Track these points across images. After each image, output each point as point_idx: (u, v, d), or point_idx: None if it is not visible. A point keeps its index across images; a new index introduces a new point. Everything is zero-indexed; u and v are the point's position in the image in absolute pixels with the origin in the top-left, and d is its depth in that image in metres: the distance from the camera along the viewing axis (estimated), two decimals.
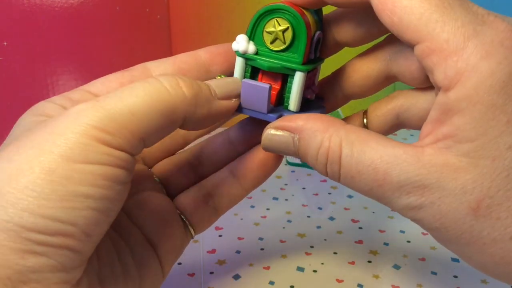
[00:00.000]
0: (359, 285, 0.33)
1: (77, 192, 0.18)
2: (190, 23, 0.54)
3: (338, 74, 0.28)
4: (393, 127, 0.27)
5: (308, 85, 0.26)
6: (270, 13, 0.24)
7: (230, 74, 0.26)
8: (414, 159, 0.20)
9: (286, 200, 0.44)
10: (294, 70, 0.24)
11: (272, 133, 0.24)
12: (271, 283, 0.33)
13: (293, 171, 0.48)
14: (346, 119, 0.28)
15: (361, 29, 0.25)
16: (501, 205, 0.19)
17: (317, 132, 0.23)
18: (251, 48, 0.25)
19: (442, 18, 0.19)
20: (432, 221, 0.21)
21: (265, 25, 0.24)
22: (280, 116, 0.25)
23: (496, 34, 0.19)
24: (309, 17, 0.24)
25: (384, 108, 0.27)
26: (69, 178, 0.18)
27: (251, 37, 0.25)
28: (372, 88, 0.27)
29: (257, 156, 0.27)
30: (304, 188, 0.46)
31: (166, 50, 0.54)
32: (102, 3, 0.47)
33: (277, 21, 0.24)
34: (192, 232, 0.28)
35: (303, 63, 0.24)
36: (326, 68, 0.28)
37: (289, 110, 0.25)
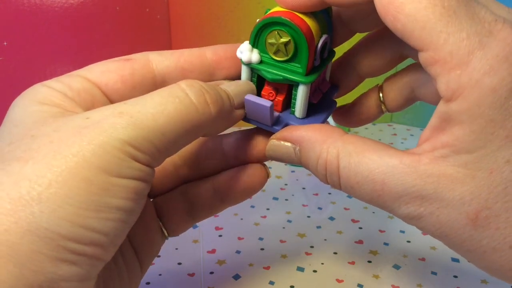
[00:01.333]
0: (359, 285, 0.33)
1: (112, 204, 0.18)
2: (190, 23, 0.54)
3: (350, 55, 0.27)
4: (408, 101, 0.27)
5: (315, 86, 0.26)
6: (270, 25, 0.23)
7: (237, 78, 0.26)
8: (411, 169, 0.20)
9: (286, 200, 0.44)
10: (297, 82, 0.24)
11: (275, 143, 0.25)
12: (271, 283, 0.33)
13: (293, 171, 0.48)
14: (362, 95, 0.28)
15: (374, 16, 0.24)
16: (499, 216, 0.19)
17: (316, 143, 0.23)
18: (255, 57, 0.24)
19: (446, 29, 0.19)
20: (433, 230, 0.21)
21: (267, 35, 0.24)
22: (285, 126, 0.25)
23: (502, 47, 0.18)
24: (313, 24, 0.23)
25: (400, 82, 0.27)
26: (105, 190, 0.18)
27: (254, 45, 0.24)
28: (386, 66, 0.27)
29: (242, 178, 0.27)
30: (304, 188, 0.46)
31: (166, 50, 0.54)
32: (102, 3, 0.47)
33: (278, 33, 0.23)
34: (166, 235, 0.28)
35: (307, 74, 0.24)
36: (339, 50, 0.28)
37: (296, 117, 0.26)
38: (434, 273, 0.34)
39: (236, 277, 0.34)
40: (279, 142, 0.25)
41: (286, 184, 0.46)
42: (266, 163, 0.28)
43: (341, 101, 0.29)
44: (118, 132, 0.19)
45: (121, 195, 0.19)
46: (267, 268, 0.35)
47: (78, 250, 0.18)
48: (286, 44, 0.23)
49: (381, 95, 0.27)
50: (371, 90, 0.28)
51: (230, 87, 0.24)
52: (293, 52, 0.23)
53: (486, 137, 0.19)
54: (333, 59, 0.27)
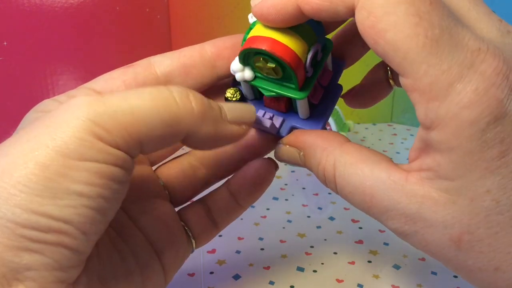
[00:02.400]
0: (359, 285, 0.33)
1: (71, 189, 0.17)
2: (190, 23, 0.54)
3: (352, 23, 0.27)
4: None
5: (315, 86, 0.25)
6: (253, 53, 0.23)
7: None
8: (397, 186, 0.21)
9: (286, 200, 0.44)
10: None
11: (282, 148, 0.25)
12: (271, 283, 0.33)
13: (293, 171, 0.48)
14: (369, 73, 0.28)
15: None
16: (482, 241, 0.19)
17: (317, 149, 0.24)
18: (247, 75, 0.24)
19: (427, 60, 0.18)
20: (420, 247, 0.21)
21: (253, 59, 0.23)
22: (291, 129, 0.26)
23: (482, 80, 0.18)
24: (297, 41, 0.22)
25: None
26: (63, 175, 0.17)
27: (245, 64, 0.24)
28: None
29: (249, 172, 0.27)
30: (304, 188, 0.46)
31: (166, 50, 0.54)
32: (102, 3, 0.47)
33: (263, 59, 0.23)
34: (194, 245, 0.28)
35: (300, 89, 0.24)
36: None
37: (300, 117, 0.26)
38: (434, 273, 0.34)
39: (236, 277, 0.34)
40: (285, 147, 0.25)
41: (286, 184, 0.46)
42: None
43: (349, 84, 0.28)
44: (80, 110, 0.18)
45: (83, 179, 0.18)
46: (267, 268, 0.35)
47: (39, 238, 0.17)
48: (273, 68, 0.23)
49: (388, 69, 0.27)
50: (378, 66, 0.28)
51: (224, 103, 0.23)
52: (282, 73, 0.23)
53: (465, 167, 0.19)
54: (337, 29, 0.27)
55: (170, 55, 0.25)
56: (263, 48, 0.22)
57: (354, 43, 0.27)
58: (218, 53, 0.25)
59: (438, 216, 0.20)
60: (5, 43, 0.43)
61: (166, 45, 0.54)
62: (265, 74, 0.24)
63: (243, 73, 0.24)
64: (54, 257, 0.18)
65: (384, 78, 0.28)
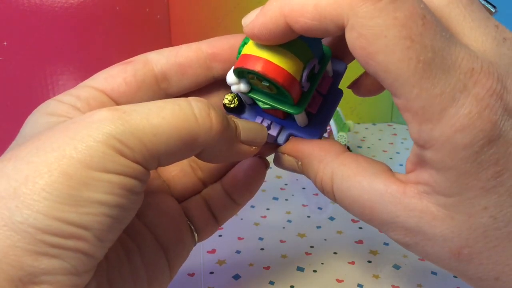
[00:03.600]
0: (359, 285, 0.33)
1: (93, 198, 0.18)
2: (190, 23, 0.54)
3: None
4: None
5: (313, 95, 0.25)
6: (247, 72, 0.22)
7: None
8: (396, 199, 0.21)
9: (286, 200, 0.44)
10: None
11: (280, 157, 0.26)
12: (271, 283, 0.33)
13: None
14: (363, 74, 0.27)
15: None
16: (481, 253, 0.20)
17: (314, 160, 0.24)
18: (243, 87, 0.24)
19: (419, 84, 0.18)
20: (421, 256, 0.21)
21: (248, 75, 0.23)
22: (288, 136, 0.26)
23: (475, 104, 0.18)
24: (290, 61, 0.22)
25: None
26: (86, 184, 0.18)
27: (239, 77, 0.24)
28: None
29: (239, 172, 0.28)
30: (304, 188, 0.46)
31: None
32: (102, 3, 0.47)
33: (257, 78, 0.22)
34: (196, 238, 0.28)
35: (296, 103, 0.23)
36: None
37: (298, 125, 0.26)
38: (434, 273, 0.34)
39: (236, 277, 0.34)
40: (283, 156, 0.25)
41: (286, 184, 0.46)
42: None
43: (350, 78, 0.28)
44: (105, 126, 0.18)
45: (104, 189, 0.18)
46: (267, 268, 0.35)
47: (58, 244, 0.18)
48: (268, 86, 0.23)
49: None
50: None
51: (241, 122, 0.23)
52: (277, 90, 0.23)
53: (461, 186, 0.19)
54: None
55: (167, 52, 0.25)
56: (256, 70, 0.22)
57: None
58: (215, 54, 0.25)
59: (437, 230, 0.20)
60: (5, 43, 0.43)
61: (166, 45, 0.53)
62: (261, 88, 0.24)
63: (238, 85, 0.24)
64: (71, 262, 0.18)
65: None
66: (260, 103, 0.24)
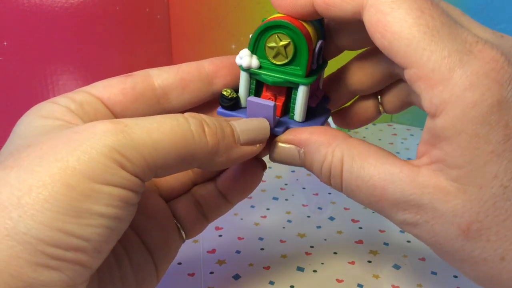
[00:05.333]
0: (359, 285, 0.33)
1: (93, 210, 0.18)
2: (190, 23, 0.54)
3: (342, 72, 0.28)
4: (405, 104, 0.28)
5: (312, 92, 0.26)
6: (271, 28, 0.24)
7: (235, 86, 0.26)
8: (410, 178, 0.21)
9: (286, 200, 0.44)
10: (297, 84, 0.24)
11: (279, 146, 0.25)
12: (271, 283, 0.33)
13: (293, 171, 0.48)
14: (361, 97, 0.29)
15: (361, 35, 0.25)
16: (490, 229, 0.20)
17: (321, 146, 0.24)
18: (254, 62, 0.25)
19: (429, 47, 0.20)
20: (427, 238, 0.22)
21: (266, 39, 0.24)
22: (286, 129, 0.25)
23: (482, 65, 0.19)
24: (310, 28, 0.24)
25: (396, 85, 0.27)
26: (87, 196, 0.18)
27: (253, 51, 0.25)
28: (377, 84, 0.27)
29: (235, 173, 0.28)
30: (304, 188, 0.46)
31: (166, 50, 0.54)
32: (102, 3, 0.47)
33: (278, 37, 0.24)
34: (184, 236, 0.28)
35: (306, 76, 0.24)
36: (329, 65, 0.28)
37: (295, 121, 0.26)
38: (434, 273, 0.34)
39: (236, 277, 0.34)
40: (284, 145, 0.25)
41: (286, 184, 0.46)
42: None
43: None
44: (107, 138, 0.19)
45: (105, 201, 0.19)
46: (267, 268, 0.35)
47: (59, 255, 0.18)
48: (286, 46, 0.24)
49: (379, 97, 0.28)
50: (371, 94, 0.28)
51: (238, 123, 0.24)
52: (292, 54, 0.24)
53: (472, 152, 0.19)
54: (326, 75, 0.28)
55: (168, 69, 0.26)
56: (283, 19, 0.23)
57: (340, 88, 0.28)
58: (216, 70, 0.26)
59: (448, 206, 0.20)
60: (5, 43, 0.43)
61: (166, 45, 0.54)
62: (272, 60, 0.24)
63: (251, 58, 0.25)
64: (70, 274, 0.18)
65: (373, 105, 0.28)
66: (268, 78, 0.25)
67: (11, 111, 0.45)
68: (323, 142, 0.24)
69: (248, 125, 0.24)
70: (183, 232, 0.28)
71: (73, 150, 0.18)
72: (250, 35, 0.25)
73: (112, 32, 0.48)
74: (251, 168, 0.27)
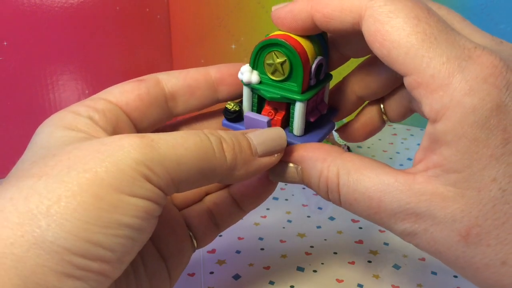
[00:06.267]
0: (359, 285, 0.33)
1: (120, 221, 0.19)
2: (190, 23, 0.54)
3: (349, 79, 0.28)
4: (408, 111, 0.28)
5: (313, 106, 0.26)
6: (268, 46, 0.24)
7: (240, 94, 0.27)
8: (405, 187, 0.21)
9: (286, 200, 0.44)
10: (294, 100, 0.25)
11: (277, 166, 0.25)
12: (271, 283, 0.33)
13: None
14: (364, 109, 0.29)
15: (364, 43, 0.25)
16: (490, 233, 0.20)
17: (317, 161, 0.24)
18: (254, 78, 0.25)
19: (428, 54, 0.20)
20: (428, 247, 0.22)
21: (265, 57, 0.25)
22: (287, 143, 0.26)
23: (481, 70, 0.19)
24: (308, 45, 0.24)
25: (398, 93, 0.27)
26: (115, 206, 0.18)
27: (254, 66, 0.25)
28: (383, 89, 0.27)
29: (253, 184, 0.28)
30: (304, 188, 0.46)
31: (166, 50, 0.54)
32: (102, 3, 0.47)
33: (275, 54, 0.24)
34: (195, 245, 0.29)
35: (302, 92, 0.25)
36: (337, 71, 0.28)
37: (294, 135, 0.26)
38: (434, 273, 0.34)
39: (236, 277, 0.34)
40: (281, 164, 0.25)
41: (286, 184, 0.46)
42: None
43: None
44: (135, 152, 0.19)
45: (131, 213, 0.19)
46: (267, 268, 0.35)
47: (84, 265, 0.18)
48: (282, 63, 0.24)
49: (382, 106, 0.28)
50: (372, 103, 0.29)
51: (255, 135, 0.24)
52: (289, 71, 0.24)
53: (471, 156, 0.19)
54: (333, 83, 0.28)
55: (177, 74, 0.26)
56: (279, 38, 0.24)
57: (348, 95, 0.28)
58: (222, 78, 0.27)
59: (447, 211, 0.20)
60: (5, 43, 0.43)
61: (166, 45, 0.54)
62: (271, 76, 0.25)
63: (251, 74, 0.25)
64: (93, 284, 0.18)
65: (377, 115, 0.29)
66: (266, 93, 0.25)
67: (11, 111, 0.45)
68: (318, 158, 0.24)
69: (265, 136, 0.24)
70: (195, 241, 0.29)
71: (101, 161, 0.19)
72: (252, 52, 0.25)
73: (112, 32, 0.48)
74: (266, 175, 0.28)
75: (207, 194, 0.30)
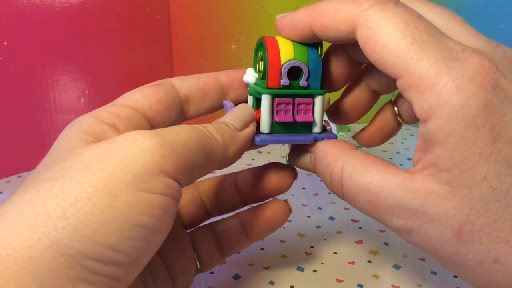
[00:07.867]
0: (359, 285, 0.33)
1: (136, 221, 0.18)
2: (190, 23, 0.54)
3: (362, 73, 0.29)
4: None
5: (298, 110, 0.27)
6: (260, 46, 0.27)
7: (246, 98, 0.28)
8: (403, 184, 0.22)
9: (286, 200, 0.44)
10: (260, 93, 0.26)
11: (297, 150, 0.28)
12: (271, 283, 0.33)
13: None
14: (378, 113, 0.30)
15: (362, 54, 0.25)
16: (482, 230, 0.20)
17: (328, 154, 0.25)
18: (250, 78, 0.28)
19: (416, 56, 0.20)
20: (423, 244, 0.22)
21: (257, 56, 0.27)
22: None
23: (467, 70, 0.20)
24: (289, 48, 0.26)
25: None
26: (131, 206, 0.18)
27: (255, 69, 0.28)
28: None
29: (266, 213, 0.29)
30: (304, 188, 0.46)
31: (166, 50, 0.54)
32: (102, 3, 0.47)
33: (260, 53, 0.27)
34: (198, 267, 0.29)
35: (268, 87, 0.26)
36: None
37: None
38: (434, 273, 0.34)
39: (236, 277, 0.34)
40: (301, 150, 0.27)
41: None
42: None
43: (359, 121, 0.30)
44: (148, 141, 0.20)
45: (147, 211, 0.19)
46: (267, 268, 0.35)
47: (97, 270, 0.18)
48: (262, 59, 0.26)
49: (395, 108, 0.29)
50: (386, 106, 0.29)
51: (227, 116, 0.26)
52: (263, 67, 0.26)
53: (461, 154, 0.20)
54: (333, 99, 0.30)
55: (190, 79, 0.27)
56: (263, 37, 0.26)
57: (363, 91, 0.29)
58: (231, 82, 0.28)
59: (440, 209, 0.21)
60: (5, 43, 0.43)
61: (166, 45, 0.54)
62: (258, 74, 0.27)
63: (250, 75, 0.28)
64: None
65: (392, 118, 0.29)
66: (249, 90, 0.28)
67: (11, 111, 0.45)
68: (330, 150, 0.25)
69: (235, 113, 0.26)
70: (198, 263, 0.29)
71: (114, 158, 0.19)
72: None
73: (112, 32, 0.48)
74: (279, 210, 0.29)
75: (209, 215, 0.30)
